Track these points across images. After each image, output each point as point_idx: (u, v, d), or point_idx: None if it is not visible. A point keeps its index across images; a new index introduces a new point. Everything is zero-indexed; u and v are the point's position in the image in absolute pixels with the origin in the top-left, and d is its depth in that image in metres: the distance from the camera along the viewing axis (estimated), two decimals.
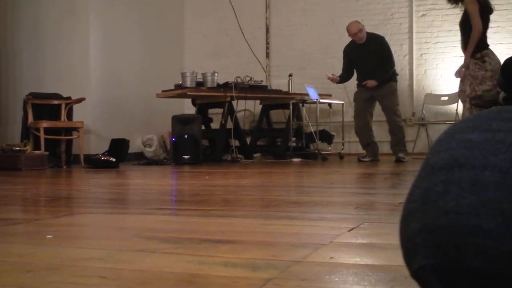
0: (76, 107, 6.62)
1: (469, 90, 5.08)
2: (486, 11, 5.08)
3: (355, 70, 6.53)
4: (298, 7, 8.35)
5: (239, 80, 6.94)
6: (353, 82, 6.60)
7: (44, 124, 6.09)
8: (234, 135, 6.84)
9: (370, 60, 6.23)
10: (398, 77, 6.52)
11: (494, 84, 4.97)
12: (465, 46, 5.15)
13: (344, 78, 6.59)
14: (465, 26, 5.12)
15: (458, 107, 6.63)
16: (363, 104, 6.33)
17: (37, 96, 6.38)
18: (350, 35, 6.36)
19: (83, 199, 2.87)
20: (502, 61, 4.27)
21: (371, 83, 6.16)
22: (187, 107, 8.23)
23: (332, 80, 6.55)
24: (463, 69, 5.16)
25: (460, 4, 5.17)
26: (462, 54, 5.24)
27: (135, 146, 7.38)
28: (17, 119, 6.70)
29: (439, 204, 0.64)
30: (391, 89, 6.26)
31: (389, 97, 6.24)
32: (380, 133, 6.81)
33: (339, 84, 6.92)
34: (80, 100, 6.47)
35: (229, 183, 3.73)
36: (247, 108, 8.11)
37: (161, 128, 7.76)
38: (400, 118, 6.35)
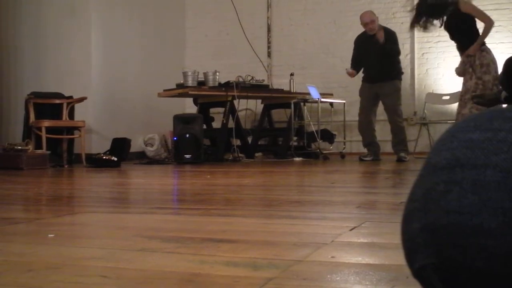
0: (77, 106, 6.63)
1: (472, 82, 5.10)
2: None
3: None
4: (299, 6, 8.35)
5: (240, 80, 6.94)
6: (357, 81, 6.59)
7: (46, 123, 6.09)
8: (236, 134, 6.84)
9: (376, 53, 6.20)
10: None
11: (495, 76, 5.02)
12: (462, 46, 5.21)
13: (357, 69, 6.52)
14: (459, 27, 5.17)
15: None
16: (367, 102, 6.33)
17: (38, 96, 6.39)
18: (362, 24, 6.36)
19: (84, 198, 2.87)
20: (499, 61, 4.29)
21: (380, 34, 6.13)
22: (189, 107, 8.24)
23: (351, 74, 6.48)
24: (466, 65, 5.21)
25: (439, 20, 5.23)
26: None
27: (136, 145, 7.38)
28: (19, 118, 6.70)
29: (440, 204, 0.63)
30: (395, 87, 6.23)
31: (392, 95, 6.21)
32: (382, 133, 6.81)
33: (340, 84, 6.90)
34: (81, 99, 6.48)
35: (231, 182, 3.73)
36: (249, 108, 8.11)
37: (163, 127, 7.76)
38: (401, 118, 6.33)
